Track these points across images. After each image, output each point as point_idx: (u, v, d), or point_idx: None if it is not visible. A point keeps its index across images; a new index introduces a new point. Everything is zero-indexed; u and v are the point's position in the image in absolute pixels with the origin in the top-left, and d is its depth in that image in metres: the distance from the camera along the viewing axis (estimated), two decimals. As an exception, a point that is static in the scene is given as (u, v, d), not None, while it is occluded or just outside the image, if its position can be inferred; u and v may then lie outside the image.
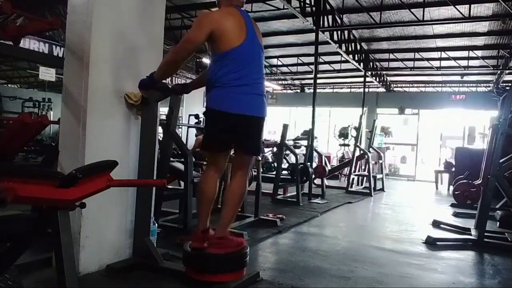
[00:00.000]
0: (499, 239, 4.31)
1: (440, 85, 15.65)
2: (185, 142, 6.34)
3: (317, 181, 7.92)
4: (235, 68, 2.38)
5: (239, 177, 2.56)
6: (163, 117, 4.13)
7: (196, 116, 9.59)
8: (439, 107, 14.62)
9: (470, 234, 4.56)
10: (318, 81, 10.25)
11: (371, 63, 13.07)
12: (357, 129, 9.04)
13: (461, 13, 7.99)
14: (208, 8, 8.74)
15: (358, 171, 9.56)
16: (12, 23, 2.95)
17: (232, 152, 2.72)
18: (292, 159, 7.27)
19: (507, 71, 11.67)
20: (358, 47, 11.57)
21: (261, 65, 2.56)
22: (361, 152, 8.97)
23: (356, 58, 11.58)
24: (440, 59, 11.92)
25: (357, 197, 7.65)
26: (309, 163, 7.31)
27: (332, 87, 17.37)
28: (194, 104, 13.17)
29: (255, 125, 2.51)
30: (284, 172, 7.08)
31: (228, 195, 2.59)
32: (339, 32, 10.06)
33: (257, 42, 2.52)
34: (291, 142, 7.73)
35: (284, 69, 15.19)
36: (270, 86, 16.25)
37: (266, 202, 5.84)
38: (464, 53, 11.41)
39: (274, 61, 14.21)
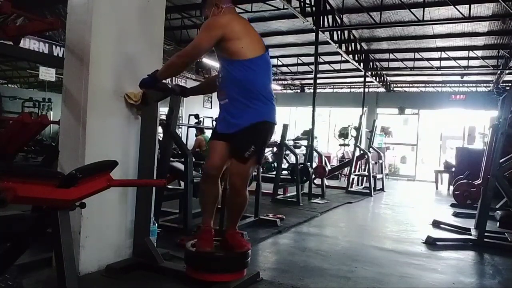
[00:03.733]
0: (499, 239, 4.31)
1: (440, 85, 15.65)
2: (185, 142, 6.34)
3: (317, 181, 7.92)
4: (265, 77, 2.43)
5: (242, 187, 2.55)
6: (163, 117, 4.13)
7: (196, 116, 9.59)
8: (439, 107, 14.62)
9: (470, 234, 4.57)
10: (318, 81, 10.26)
11: (371, 63, 13.06)
12: (357, 129, 9.04)
13: (461, 13, 7.99)
14: (208, 8, 8.73)
15: (358, 171, 9.56)
16: (12, 23, 2.95)
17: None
18: (292, 159, 7.27)
19: (507, 71, 11.67)
20: (358, 47, 11.57)
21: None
22: (361, 152, 8.97)
23: (356, 58, 11.58)
24: (440, 59, 11.92)
25: (357, 197, 7.65)
26: (309, 163, 7.32)
27: (332, 87, 17.36)
28: (194, 104, 13.17)
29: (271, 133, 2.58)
30: (284, 172, 7.08)
31: (234, 206, 2.59)
32: (339, 32, 10.05)
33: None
34: (291, 142, 7.73)
35: (284, 69, 15.18)
36: (270, 86, 16.21)
37: (266, 202, 5.84)
38: (464, 53, 11.40)
39: (274, 61, 14.19)
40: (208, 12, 2.50)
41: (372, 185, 8.43)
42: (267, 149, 9.93)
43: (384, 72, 14.51)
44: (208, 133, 8.55)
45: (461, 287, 2.91)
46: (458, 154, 10.10)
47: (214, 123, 6.36)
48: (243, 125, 2.36)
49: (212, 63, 11.37)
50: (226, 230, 2.60)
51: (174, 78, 12.25)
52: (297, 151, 7.31)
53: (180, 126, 9.78)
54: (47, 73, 9.27)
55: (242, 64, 2.35)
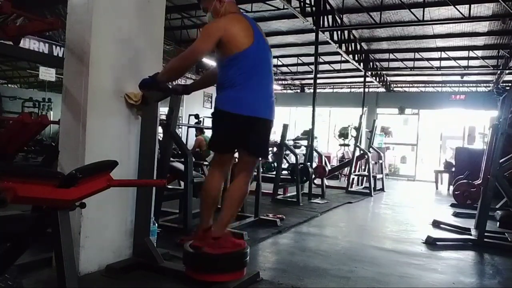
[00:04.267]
0: (499, 239, 4.30)
1: (440, 85, 15.65)
2: (185, 142, 6.34)
3: (317, 181, 7.92)
4: (244, 71, 2.39)
5: (241, 178, 2.55)
6: (163, 117, 4.13)
7: (196, 116, 9.59)
8: (439, 107, 14.62)
9: (470, 234, 4.56)
10: (318, 81, 10.26)
11: (371, 63, 13.07)
12: (357, 129, 9.04)
13: (461, 13, 8.00)
14: (208, 8, 8.73)
15: (358, 171, 9.57)
16: (12, 23, 2.94)
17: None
18: (292, 159, 7.27)
19: (507, 71, 11.67)
20: (358, 47, 11.57)
21: (269, 68, 2.58)
22: (361, 152, 8.97)
23: (356, 58, 11.58)
24: (440, 59, 11.92)
25: (357, 197, 7.65)
26: (309, 163, 7.32)
27: (332, 87, 17.37)
28: (194, 104, 13.17)
29: (264, 128, 2.53)
30: (284, 172, 7.08)
31: (228, 195, 2.58)
32: (339, 32, 10.06)
33: (265, 45, 2.55)
34: (291, 142, 7.73)
35: (284, 69, 15.19)
36: (270, 86, 16.22)
37: (266, 202, 5.84)
38: (464, 53, 11.41)
39: (274, 61, 14.20)
40: (209, 4, 2.52)
41: (372, 185, 8.43)
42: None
43: (384, 72, 14.51)
44: (208, 133, 8.55)
45: (461, 287, 2.90)
46: (457, 154, 10.10)
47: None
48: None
49: (212, 63, 11.35)
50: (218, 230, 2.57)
51: (174, 78, 12.27)
52: (297, 151, 7.31)
53: (180, 126, 9.78)
54: (47, 73, 9.28)
55: (226, 61, 2.41)
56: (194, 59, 2.48)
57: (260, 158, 2.71)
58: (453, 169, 9.99)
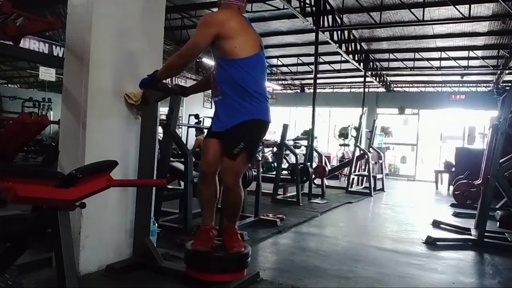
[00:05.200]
0: (499, 239, 4.31)
1: (440, 85, 15.65)
2: (185, 142, 6.34)
3: (317, 181, 7.92)
4: (258, 76, 2.42)
5: (237, 183, 2.55)
6: (163, 117, 4.13)
7: (196, 116, 9.59)
8: (439, 107, 14.62)
9: (470, 234, 4.57)
10: (318, 81, 10.26)
11: (371, 63, 13.07)
12: (357, 129, 9.04)
13: (461, 13, 7.99)
14: (208, 8, 8.75)
15: (358, 171, 9.56)
16: (12, 23, 2.95)
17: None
18: (292, 159, 7.27)
19: (507, 71, 11.67)
20: (358, 47, 11.57)
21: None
22: (361, 152, 8.97)
23: (356, 58, 11.58)
24: (440, 59, 11.92)
25: (357, 197, 7.65)
26: (309, 163, 7.32)
27: (332, 87, 17.36)
28: (194, 104, 13.17)
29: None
30: (284, 172, 7.08)
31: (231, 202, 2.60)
32: (339, 32, 10.06)
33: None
34: (291, 142, 7.74)
35: (284, 69, 15.19)
36: (270, 86, 16.23)
37: (266, 202, 5.84)
38: (464, 53, 11.40)
39: (274, 61, 14.21)
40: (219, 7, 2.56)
41: (372, 185, 8.43)
42: (267, 149, 9.95)
43: (384, 72, 14.51)
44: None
45: (461, 287, 2.91)
46: (457, 154, 10.10)
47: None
48: (233, 123, 2.38)
49: (212, 63, 11.36)
50: (224, 229, 2.60)
51: (174, 78, 12.27)
52: (297, 151, 7.32)
53: (180, 126, 9.78)
54: (47, 73, 9.28)
55: (235, 63, 2.36)
56: (192, 54, 2.45)
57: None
58: (453, 169, 9.99)
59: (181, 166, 4.14)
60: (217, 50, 2.41)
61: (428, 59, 12.06)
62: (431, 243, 4.11)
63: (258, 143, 2.59)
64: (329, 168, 9.43)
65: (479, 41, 10.40)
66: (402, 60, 12.53)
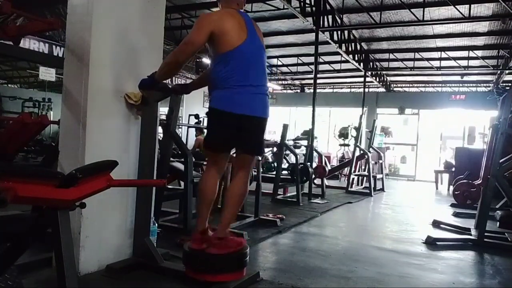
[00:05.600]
0: (499, 239, 4.31)
1: (440, 85, 15.65)
2: (185, 142, 6.34)
3: (317, 181, 7.92)
4: (237, 68, 2.39)
5: (240, 177, 2.55)
6: (163, 117, 4.13)
7: (196, 116, 9.59)
8: (439, 107, 14.62)
9: (470, 234, 4.57)
10: (318, 81, 10.26)
11: (371, 63, 13.06)
12: (357, 129, 9.04)
13: (461, 13, 7.99)
14: (208, 8, 8.75)
15: (358, 171, 9.56)
16: (12, 23, 2.95)
17: (233, 152, 2.72)
18: (292, 159, 7.27)
19: (507, 71, 11.66)
20: (358, 47, 11.57)
21: (263, 65, 2.56)
22: (361, 152, 8.97)
23: (356, 58, 11.57)
24: (440, 59, 11.92)
25: (357, 197, 7.65)
26: (309, 163, 7.32)
27: (332, 87, 17.36)
28: (194, 104, 13.17)
29: (258, 126, 2.52)
30: (284, 172, 7.08)
31: (228, 195, 2.59)
32: (339, 32, 10.05)
33: (258, 42, 2.53)
34: (291, 142, 7.73)
35: (284, 69, 15.19)
36: (270, 86, 16.20)
37: (266, 202, 5.84)
38: (464, 53, 11.40)
39: (274, 61, 14.21)
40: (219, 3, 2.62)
41: (372, 185, 8.43)
42: (267, 149, 9.94)
43: (384, 72, 14.51)
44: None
45: (461, 287, 2.91)
46: (457, 154, 10.10)
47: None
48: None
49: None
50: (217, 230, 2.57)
51: (174, 78, 12.27)
52: (297, 151, 7.31)
53: (180, 126, 9.78)
54: (47, 73, 9.28)
55: (217, 58, 2.42)
56: (188, 52, 2.44)
57: (256, 156, 2.69)
58: (453, 169, 9.99)
59: (181, 166, 4.14)
60: (211, 48, 2.45)
61: (428, 59, 12.06)
62: (431, 243, 4.11)
63: (218, 136, 2.53)
64: (329, 168, 9.43)
65: (479, 41, 10.40)
66: (402, 60, 12.53)
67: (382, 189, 9.13)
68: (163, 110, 3.91)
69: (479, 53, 11.32)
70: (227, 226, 2.55)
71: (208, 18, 2.44)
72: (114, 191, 2.57)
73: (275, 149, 7.81)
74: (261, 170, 5.32)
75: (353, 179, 8.91)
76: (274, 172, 6.87)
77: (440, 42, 10.71)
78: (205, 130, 9.06)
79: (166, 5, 3.13)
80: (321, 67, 12.91)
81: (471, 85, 15.05)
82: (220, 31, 2.35)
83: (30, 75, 15.20)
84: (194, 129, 9.60)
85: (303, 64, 13.89)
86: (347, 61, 11.62)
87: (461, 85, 15.09)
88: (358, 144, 8.90)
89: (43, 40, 8.36)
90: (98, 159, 1.89)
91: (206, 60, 11.44)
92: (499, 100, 5.79)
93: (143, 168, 2.76)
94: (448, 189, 9.85)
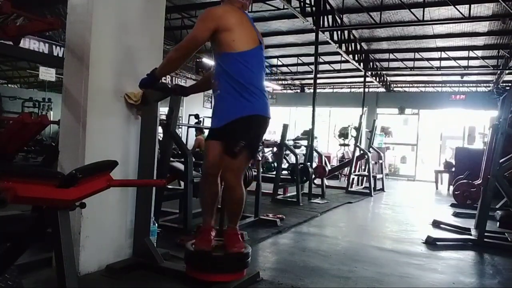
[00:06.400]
0: (499, 239, 4.31)
1: (440, 85, 15.66)
2: (185, 142, 6.34)
3: (317, 181, 7.92)
4: (255, 70, 2.40)
5: (238, 180, 2.53)
6: (163, 117, 4.13)
7: (196, 116, 9.59)
8: (439, 107, 14.62)
9: (470, 234, 4.57)
10: (318, 81, 10.26)
11: (371, 63, 13.07)
12: (357, 129, 9.04)
13: (461, 13, 7.99)
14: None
15: (358, 171, 9.56)
16: (12, 23, 2.95)
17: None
18: (292, 159, 7.27)
19: (507, 71, 11.67)
20: (358, 47, 11.57)
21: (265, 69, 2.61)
22: (361, 152, 8.97)
23: (356, 58, 11.58)
24: (440, 59, 11.92)
25: (357, 197, 7.65)
26: (309, 163, 7.32)
27: (332, 87, 17.37)
28: (194, 104, 13.17)
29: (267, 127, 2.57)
30: (284, 172, 7.08)
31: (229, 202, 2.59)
32: (339, 32, 10.06)
33: (263, 44, 2.57)
34: (291, 142, 7.74)
35: (284, 69, 15.19)
36: (270, 86, 16.24)
37: (266, 202, 5.84)
38: (464, 53, 11.41)
39: (274, 61, 14.22)
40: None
41: (372, 185, 8.43)
42: (267, 149, 9.94)
43: (384, 72, 14.51)
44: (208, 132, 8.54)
45: (461, 287, 2.91)
46: (457, 154, 10.10)
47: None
48: (232, 118, 2.36)
49: (212, 62, 11.37)
50: (226, 230, 2.60)
51: (174, 78, 12.28)
52: (297, 151, 7.31)
53: (180, 126, 9.78)
54: (47, 73, 9.28)
55: (233, 57, 2.35)
56: (191, 48, 2.42)
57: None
58: (453, 169, 9.99)
59: (181, 166, 4.14)
60: (216, 45, 2.41)
61: (428, 59, 12.07)
62: (431, 243, 4.11)
63: (258, 140, 2.56)
64: (329, 168, 9.43)
65: (479, 41, 10.40)
66: (402, 60, 12.54)
67: (382, 189, 9.13)
68: (163, 110, 3.91)
69: (479, 53, 11.33)
70: (234, 227, 2.56)
71: (213, 12, 2.39)
72: (114, 191, 2.58)
73: (275, 149, 7.82)
74: (261, 170, 5.32)
75: (353, 179, 8.92)
76: (274, 172, 6.88)
77: (440, 42, 10.71)
78: (205, 131, 9.08)
79: (166, 5, 3.13)
80: (321, 67, 12.91)
81: (471, 85, 15.05)
82: (226, 26, 2.32)
83: (30, 75, 15.20)
84: (194, 129, 9.61)
85: (303, 64, 13.89)
86: (347, 61, 11.62)
87: (461, 85, 15.10)
88: (358, 144, 8.91)
89: (43, 40, 8.36)
90: (98, 159, 1.89)
91: (206, 60, 11.45)
92: (499, 100, 5.79)
93: (143, 168, 2.76)
94: (448, 189, 9.85)
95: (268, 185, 6.35)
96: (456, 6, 7.83)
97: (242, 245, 2.49)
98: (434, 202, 8.51)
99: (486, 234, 4.19)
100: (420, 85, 16.00)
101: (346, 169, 9.82)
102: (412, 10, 8.17)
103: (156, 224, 3.10)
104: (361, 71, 12.69)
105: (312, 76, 10.25)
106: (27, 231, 1.61)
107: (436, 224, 5.11)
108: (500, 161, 4.27)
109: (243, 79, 2.35)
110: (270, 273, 2.86)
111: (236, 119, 2.35)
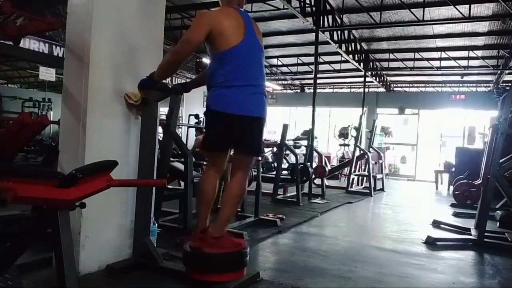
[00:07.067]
0: (499, 239, 4.31)
1: (440, 85, 15.65)
2: (185, 142, 6.34)
3: (317, 181, 7.92)
4: (234, 68, 2.39)
5: (238, 177, 2.54)
6: (163, 117, 4.13)
7: (196, 116, 9.59)
8: (439, 107, 14.61)
9: (470, 234, 4.57)
10: (318, 81, 10.25)
11: (371, 63, 13.06)
12: (357, 129, 9.04)
13: (461, 13, 7.99)
14: (208, 8, 8.74)
15: (358, 171, 9.56)
16: (12, 23, 2.95)
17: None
18: (292, 159, 7.27)
19: (507, 71, 11.66)
20: (358, 47, 11.56)
21: (261, 65, 2.56)
22: (361, 152, 8.97)
23: (356, 58, 11.57)
24: (440, 59, 11.92)
25: (357, 197, 7.64)
26: (309, 163, 7.31)
27: (332, 87, 17.36)
28: (194, 104, 13.18)
29: (254, 125, 2.50)
30: (284, 172, 7.08)
31: (226, 195, 2.58)
32: (339, 32, 10.05)
33: (256, 42, 2.53)
34: (291, 142, 7.73)
35: (284, 69, 15.18)
36: (270, 86, 16.24)
37: (266, 202, 5.84)
38: (464, 53, 11.40)
39: (274, 61, 14.21)
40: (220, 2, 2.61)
41: (372, 185, 8.43)
42: (267, 149, 9.93)
43: (384, 72, 14.51)
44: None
45: (461, 287, 2.91)
46: (457, 154, 10.10)
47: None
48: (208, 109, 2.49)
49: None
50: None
51: (174, 78, 12.28)
52: (297, 151, 7.31)
53: (180, 126, 9.78)
54: (47, 73, 9.26)
55: (215, 57, 2.43)
56: (186, 50, 2.44)
57: (255, 157, 2.69)
58: (453, 169, 9.99)
59: (181, 166, 4.14)
60: (209, 46, 2.46)
61: (428, 59, 12.06)
62: (431, 243, 4.11)
63: (213, 136, 2.55)
64: (329, 168, 9.43)
65: (479, 41, 10.40)
66: (402, 60, 12.53)
67: (382, 189, 9.13)
68: (163, 110, 3.91)
69: (479, 53, 11.32)
70: (224, 226, 2.55)
71: (207, 17, 2.45)
72: (114, 191, 2.57)
73: (275, 149, 7.81)
74: (261, 170, 5.32)
75: (353, 179, 8.91)
76: (274, 172, 6.87)
77: (440, 42, 10.71)
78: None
79: (166, 5, 3.13)
80: (321, 67, 12.90)
81: (471, 85, 15.05)
82: (218, 30, 2.35)
83: (30, 75, 15.19)
84: (194, 129, 9.60)
85: (303, 64, 13.89)
86: (347, 61, 11.62)
87: (461, 85, 15.10)
88: (358, 144, 8.90)
89: (43, 40, 8.36)
90: (98, 159, 1.89)
91: (206, 60, 11.45)
92: (499, 100, 5.79)
93: (143, 168, 2.76)
94: (448, 189, 9.85)
95: (268, 185, 6.35)
96: (456, 6, 7.83)
97: (241, 243, 2.50)
98: (434, 202, 8.51)
99: (486, 234, 4.19)
100: (420, 85, 16.00)
101: (346, 169, 9.82)
102: (412, 10, 8.16)
103: (156, 224, 3.10)
104: (361, 71, 12.68)
105: (312, 76, 10.24)
106: (27, 231, 1.62)
107: (436, 224, 5.11)
108: (500, 161, 4.27)
109: (217, 76, 2.41)
110: (270, 273, 2.86)
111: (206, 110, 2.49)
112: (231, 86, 2.38)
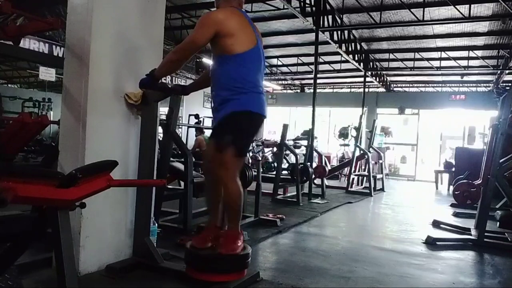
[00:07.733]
0: (499, 239, 4.31)
1: (440, 85, 15.65)
2: (185, 142, 6.34)
3: (317, 181, 7.92)
4: (251, 70, 2.42)
5: (233, 178, 2.50)
6: (163, 117, 4.13)
7: (196, 116, 9.59)
8: (439, 107, 14.62)
9: (470, 234, 4.56)
10: (318, 81, 10.24)
11: (371, 63, 13.06)
12: (357, 129, 9.04)
13: (461, 13, 7.99)
14: (208, 8, 8.74)
15: (358, 171, 9.56)
16: (12, 23, 2.95)
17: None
18: (292, 159, 7.27)
19: (507, 71, 11.66)
20: (358, 47, 11.56)
21: (264, 67, 2.62)
22: (361, 152, 8.97)
23: (356, 58, 11.57)
24: (440, 59, 11.92)
25: (357, 197, 7.65)
26: (309, 163, 7.32)
27: (332, 87, 17.36)
28: (194, 104, 13.17)
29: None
30: (284, 172, 7.08)
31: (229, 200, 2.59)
32: (339, 32, 10.05)
33: (262, 43, 2.58)
34: (291, 142, 7.74)
35: (284, 69, 15.18)
36: (270, 86, 16.25)
37: (266, 202, 5.84)
38: (464, 53, 11.40)
39: (274, 61, 14.21)
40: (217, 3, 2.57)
41: (372, 185, 8.43)
42: (267, 149, 9.94)
43: (384, 72, 14.50)
44: (208, 133, 8.54)
45: (461, 287, 2.91)
46: (457, 154, 10.10)
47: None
48: (223, 114, 2.40)
49: (212, 62, 11.35)
50: (225, 230, 2.58)
51: (174, 78, 12.28)
52: (297, 151, 7.31)
53: (180, 126, 9.79)
54: (47, 73, 9.26)
55: (229, 59, 2.39)
56: (190, 51, 2.45)
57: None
58: (453, 169, 9.99)
59: (181, 166, 4.14)
60: (215, 47, 2.43)
61: (428, 59, 12.06)
62: (431, 243, 4.11)
63: (247, 135, 2.53)
64: (329, 168, 9.43)
65: (479, 41, 10.40)
66: (402, 60, 12.53)
67: (382, 189, 9.13)
68: (163, 110, 3.91)
69: (479, 53, 11.32)
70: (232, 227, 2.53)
71: (212, 18, 2.41)
72: (114, 191, 2.58)
73: (275, 149, 7.82)
74: (261, 170, 5.32)
75: (353, 179, 8.92)
76: (274, 172, 6.88)
77: (440, 42, 10.71)
78: (205, 131, 9.07)
79: (166, 5, 3.13)
80: (321, 67, 12.90)
81: (471, 85, 15.05)
82: (225, 31, 2.33)
83: (30, 75, 15.18)
84: (194, 129, 9.60)
85: (303, 64, 13.88)
86: (347, 61, 11.61)
87: (461, 85, 15.09)
88: (358, 144, 8.91)
89: (43, 40, 8.36)
90: (98, 159, 1.89)
91: (206, 60, 11.44)
92: (499, 100, 5.79)
93: (143, 168, 2.76)
94: (448, 189, 9.85)
95: (268, 185, 6.35)
96: (456, 6, 7.82)
97: (236, 247, 2.42)
98: (434, 202, 8.51)
99: (486, 234, 4.19)
100: (420, 85, 16.00)
101: (346, 169, 9.82)
102: (412, 10, 8.16)
103: (156, 224, 3.10)
104: (361, 71, 12.68)
105: (312, 76, 10.22)
106: (27, 231, 1.61)
107: (436, 224, 5.11)
108: (500, 161, 4.27)
109: (237, 79, 2.39)
110: (270, 273, 2.86)
111: (227, 115, 2.38)
112: (253, 87, 2.42)
